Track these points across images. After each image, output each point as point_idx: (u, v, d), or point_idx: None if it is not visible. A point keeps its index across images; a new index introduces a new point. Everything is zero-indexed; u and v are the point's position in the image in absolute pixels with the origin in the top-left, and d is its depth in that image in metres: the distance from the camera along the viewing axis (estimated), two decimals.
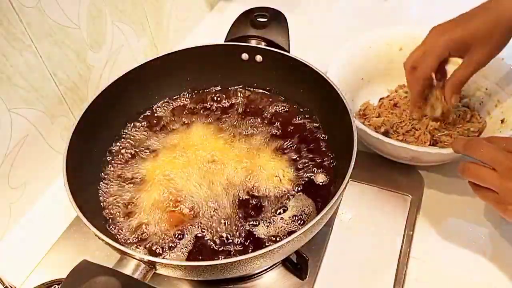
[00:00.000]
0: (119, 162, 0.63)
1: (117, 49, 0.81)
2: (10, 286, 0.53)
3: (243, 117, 0.69)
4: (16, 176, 0.66)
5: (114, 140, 0.65)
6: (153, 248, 0.53)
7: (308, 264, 0.58)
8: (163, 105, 0.71)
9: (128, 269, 0.43)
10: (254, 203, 0.57)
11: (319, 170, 0.61)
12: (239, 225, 0.55)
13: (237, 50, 0.70)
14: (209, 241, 0.53)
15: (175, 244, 0.53)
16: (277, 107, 0.70)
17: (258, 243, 0.53)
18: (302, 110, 0.69)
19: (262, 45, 0.69)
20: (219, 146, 0.64)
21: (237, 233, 0.54)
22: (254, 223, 0.55)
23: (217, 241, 0.53)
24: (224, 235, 0.54)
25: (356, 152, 0.52)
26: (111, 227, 0.56)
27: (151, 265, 0.44)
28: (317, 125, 0.67)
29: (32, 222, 0.70)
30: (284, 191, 0.58)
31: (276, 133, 0.66)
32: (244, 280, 0.60)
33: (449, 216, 0.67)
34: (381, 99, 0.79)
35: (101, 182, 0.60)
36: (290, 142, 0.64)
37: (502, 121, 0.69)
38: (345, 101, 0.58)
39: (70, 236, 0.66)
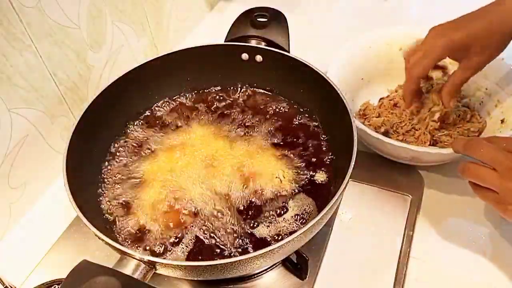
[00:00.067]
0: (119, 162, 0.63)
1: (117, 49, 0.81)
2: (10, 286, 0.53)
3: (243, 117, 0.69)
4: (16, 176, 0.66)
5: (114, 140, 0.65)
6: (153, 248, 0.53)
7: (308, 264, 0.58)
8: (163, 105, 0.71)
9: (128, 269, 0.43)
10: (255, 203, 0.57)
11: (319, 170, 0.61)
12: (239, 225, 0.55)
13: (237, 50, 0.70)
14: (209, 241, 0.53)
15: (175, 244, 0.53)
16: (277, 107, 0.70)
17: (258, 243, 0.53)
18: (302, 110, 0.69)
19: (262, 45, 0.69)
20: (219, 146, 0.64)
21: (237, 233, 0.54)
22: (255, 223, 0.55)
23: (217, 241, 0.53)
24: (224, 235, 0.54)
25: (356, 152, 0.52)
26: (111, 227, 0.56)
27: (151, 265, 0.44)
28: (317, 125, 0.67)
29: (32, 222, 0.70)
30: (285, 192, 0.58)
31: (276, 133, 0.66)
32: (244, 280, 0.60)
33: (449, 216, 0.67)
34: (381, 99, 0.79)
35: (101, 182, 0.60)
36: (290, 142, 0.64)
37: (502, 121, 0.69)
38: (345, 101, 0.58)
39: (70, 236, 0.66)
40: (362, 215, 0.67)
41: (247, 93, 0.72)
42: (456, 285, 0.59)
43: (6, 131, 0.63)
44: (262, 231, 0.54)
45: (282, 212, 0.56)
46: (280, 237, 0.54)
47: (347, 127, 0.55)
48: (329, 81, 0.61)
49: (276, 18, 0.72)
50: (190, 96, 0.73)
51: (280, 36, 0.71)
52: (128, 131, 0.67)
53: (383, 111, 0.75)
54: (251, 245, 0.53)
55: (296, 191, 0.58)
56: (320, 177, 0.60)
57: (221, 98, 0.72)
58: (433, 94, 0.71)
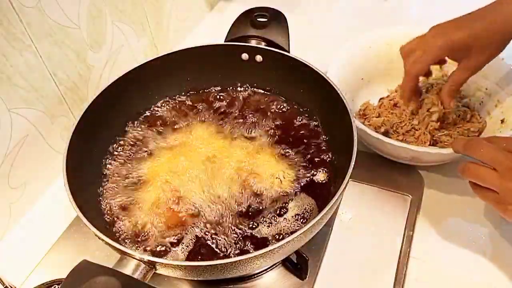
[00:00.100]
0: (119, 162, 0.63)
1: (117, 49, 0.81)
2: (10, 286, 0.53)
3: (243, 117, 0.69)
4: (16, 176, 0.66)
5: (114, 140, 0.65)
6: (153, 248, 0.53)
7: (308, 264, 0.58)
8: (163, 105, 0.71)
9: (128, 269, 0.43)
10: (255, 203, 0.57)
11: (319, 170, 0.61)
12: (240, 225, 0.55)
13: (237, 50, 0.70)
14: (209, 241, 0.53)
15: (175, 244, 0.53)
16: (277, 107, 0.70)
17: (258, 243, 0.53)
18: (302, 110, 0.69)
19: (262, 45, 0.69)
20: (219, 146, 0.64)
21: (237, 233, 0.54)
22: (255, 223, 0.55)
23: (217, 241, 0.53)
24: (224, 235, 0.54)
25: (356, 152, 0.52)
26: (111, 227, 0.56)
27: (151, 265, 0.44)
28: (317, 125, 0.67)
29: (32, 222, 0.70)
30: (285, 192, 0.58)
31: (276, 133, 0.66)
32: (244, 280, 0.60)
33: (449, 216, 0.67)
34: (381, 99, 0.79)
35: (101, 182, 0.60)
36: (290, 143, 0.64)
37: (502, 121, 0.69)
38: (345, 101, 0.58)
39: (70, 236, 0.66)
40: (362, 215, 0.67)
41: (247, 93, 0.72)
42: (456, 285, 0.59)
43: (6, 131, 0.63)
44: (262, 231, 0.54)
45: (282, 212, 0.56)
46: (281, 237, 0.54)
47: (347, 127, 0.55)
48: (329, 81, 0.61)
49: (276, 18, 0.72)
50: (190, 96, 0.73)
51: (280, 36, 0.71)
52: (128, 131, 0.67)
53: (383, 111, 0.75)
54: (251, 245, 0.53)
55: (297, 191, 0.58)
56: (320, 177, 0.60)
57: (221, 98, 0.72)
58: (432, 95, 0.71)
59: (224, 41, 0.72)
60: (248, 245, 0.53)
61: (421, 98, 0.73)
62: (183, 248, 0.53)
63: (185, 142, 0.65)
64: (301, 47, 0.76)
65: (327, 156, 0.62)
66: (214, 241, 0.53)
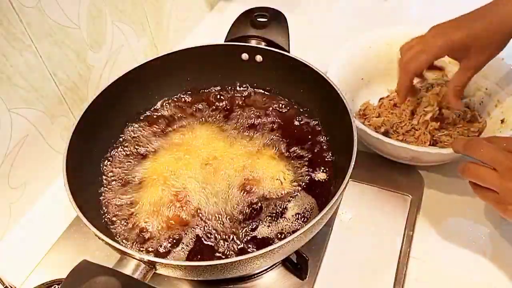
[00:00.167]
0: (119, 162, 0.63)
1: (117, 49, 0.81)
2: (10, 286, 0.53)
3: (243, 117, 0.69)
4: (16, 176, 0.66)
5: (114, 140, 0.65)
6: (153, 248, 0.53)
7: (308, 264, 0.58)
8: (163, 105, 0.71)
9: (128, 269, 0.43)
10: (255, 203, 0.57)
11: (320, 170, 0.61)
12: (240, 225, 0.55)
13: (237, 50, 0.70)
14: (209, 241, 0.53)
15: (175, 244, 0.53)
16: (277, 107, 0.70)
17: (259, 243, 0.53)
18: (302, 110, 0.69)
19: (262, 45, 0.69)
20: (219, 146, 0.64)
21: (237, 234, 0.54)
22: (255, 223, 0.55)
23: (217, 241, 0.53)
24: (224, 235, 0.54)
25: (356, 152, 0.52)
26: (111, 227, 0.56)
27: (151, 265, 0.44)
28: (317, 125, 0.67)
29: (32, 222, 0.70)
30: (285, 192, 0.58)
31: (276, 133, 0.66)
32: (244, 280, 0.60)
33: (449, 216, 0.67)
34: (381, 99, 0.79)
35: (101, 182, 0.60)
36: (290, 143, 0.64)
37: (502, 121, 0.69)
38: (345, 101, 0.58)
39: (70, 236, 0.66)
40: (362, 215, 0.67)
41: (247, 93, 0.72)
42: (456, 285, 0.59)
43: (6, 131, 0.63)
44: (262, 231, 0.54)
45: (282, 211, 0.56)
46: (282, 236, 0.54)
47: (347, 127, 0.55)
48: (329, 81, 0.61)
49: (276, 18, 0.72)
50: (190, 96, 0.72)
51: (280, 36, 0.71)
52: (128, 131, 0.67)
53: (383, 111, 0.75)
54: (251, 245, 0.53)
55: (297, 191, 0.58)
56: (321, 177, 0.60)
57: (221, 98, 0.72)
58: (430, 95, 0.71)
59: (224, 41, 0.72)
60: (248, 245, 0.53)
61: (419, 98, 0.73)
62: (183, 248, 0.53)
63: (185, 142, 0.65)
64: (301, 47, 0.76)
65: (327, 156, 0.62)
66: (214, 241, 0.53)
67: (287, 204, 0.57)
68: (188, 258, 0.52)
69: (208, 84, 0.73)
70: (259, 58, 0.69)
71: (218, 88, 0.73)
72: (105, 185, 0.60)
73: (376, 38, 0.81)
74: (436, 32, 0.64)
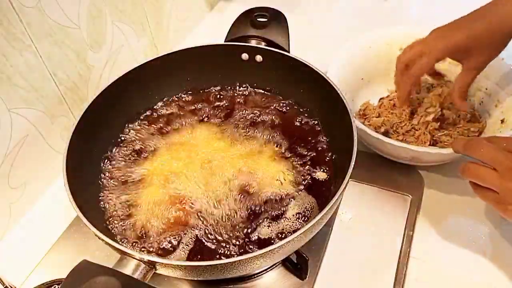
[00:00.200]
0: (119, 162, 0.63)
1: (117, 49, 0.81)
2: (10, 286, 0.53)
3: (243, 117, 0.69)
4: (16, 176, 0.66)
5: (114, 140, 0.65)
6: (153, 248, 0.53)
7: (308, 264, 0.58)
8: (163, 105, 0.71)
9: (128, 269, 0.43)
10: (255, 203, 0.57)
11: (320, 170, 0.61)
12: (240, 225, 0.55)
13: (237, 50, 0.70)
14: (209, 241, 0.53)
15: (175, 244, 0.53)
16: (277, 107, 0.70)
17: (259, 243, 0.53)
18: (302, 110, 0.69)
19: (262, 45, 0.69)
20: (219, 146, 0.64)
21: (238, 234, 0.54)
22: (255, 223, 0.55)
23: (217, 241, 0.53)
24: (224, 235, 0.54)
25: (356, 152, 0.52)
26: (111, 227, 0.56)
27: (151, 265, 0.44)
28: (317, 125, 0.67)
29: (32, 222, 0.70)
30: (285, 192, 0.58)
31: (276, 133, 0.66)
32: (244, 280, 0.60)
33: (449, 216, 0.67)
34: (381, 99, 0.79)
35: (101, 182, 0.60)
36: (290, 143, 0.64)
37: (502, 121, 0.69)
38: (345, 101, 0.58)
39: (70, 236, 0.66)
40: (362, 215, 0.67)
41: (247, 93, 0.72)
42: (456, 285, 0.59)
43: (6, 131, 0.63)
44: (263, 230, 0.54)
45: (283, 212, 0.56)
46: (282, 236, 0.54)
47: (347, 127, 0.55)
48: (329, 81, 0.61)
49: (276, 18, 0.72)
50: (190, 96, 0.72)
51: (280, 36, 0.71)
52: (128, 131, 0.67)
53: (383, 111, 0.75)
54: (251, 245, 0.53)
55: (297, 191, 0.58)
56: (321, 177, 0.60)
57: (221, 98, 0.72)
58: (432, 96, 0.71)
59: (224, 41, 0.72)
60: (248, 245, 0.53)
61: (421, 98, 0.73)
62: (183, 248, 0.53)
63: (185, 142, 0.65)
64: (301, 47, 0.76)
65: (327, 156, 0.62)
66: (214, 241, 0.53)
67: (287, 204, 0.57)
68: (188, 258, 0.52)
69: (208, 84, 0.73)
70: (259, 58, 0.69)
71: (218, 88, 0.73)
72: (105, 185, 0.60)
73: (376, 38, 0.81)
74: (437, 35, 0.65)
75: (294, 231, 0.46)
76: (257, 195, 0.58)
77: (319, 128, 0.66)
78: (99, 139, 0.63)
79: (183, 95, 0.72)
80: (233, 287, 0.60)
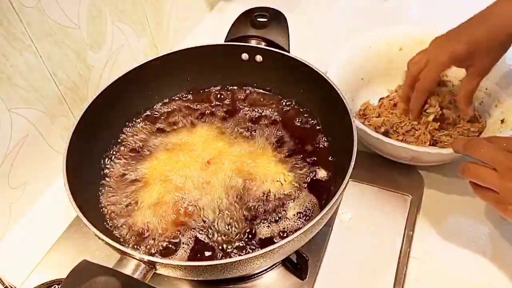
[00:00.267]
0: (119, 162, 0.63)
1: (117, 49, 0.81)
2: (10, 286, 0.53)
3: (243, 117, 0.69)
4: (16, 176, 0.66)
5: (114, 140, 0.65)
6: (154, 248, 0.53)
7: (308, 264, 0.58)
8: (163, 105, 0.71)
9: (128, 269, 0.43)
10: (255, 204, 0.57)
11: (320, 170, 0.61)
12: (240, 225, 0.55)
13: (237, 50, 0.70)
14: (209, 241, 0.53)
15: (175, 244, 0.53)
16: (277, 107, 0.70)
17: (259, 243, 0.53)
18: (302, 110, 0.69)
19: (262, 45, 0.69)
20: (219, 146, 0.64)
21: (238, 234, 0.54)
22: (255, 223, 0.55)
23: (217, 241, 0.53)
24: (224, 235, 0.54)
25: (356, 152, 0.52)
26: (111, 227, 0.56)
27: (151, 265, 0.44)
28: (317, 125, 0.67)
29: (32, 222, 0.70)
30: (286, 192, 0.58)
31: (276, 133, 0.66)
32: (244, 280, 0.60)
33: (449, 216, 0.67)
34: (381, 99, 0.79)
35: (101, 182, 0.60)
36: (290, 143, 0.64)
37: (502, 121, 0.69)
38: (345, 101, 0.58)
39: (70, 236, 0.66)
40: (362, 215, 0.67)
41: (247, 93, 0.72)
42: (456, 285, 0.59)
43: (6, 131, 0.63)
44: (263, 230, 0.54)
45: (283, 211, 0.56)
46: (283, 235, 0.54)
47: (347, 127, 0.55)
48: (329, 81, 0.61)
49: (276, 18, 0.72)
50: (190, 96, 0.73)
51: (280, 36, 0.71)
52: (128, 131, 0.67)
53: (383, 111, 0.75)
54: (251, 245, 0.53)
55: (297, 191, 0.58)
56: (321, 177, 0.60)
57: (221, 98, 0.72)
58: (432, 97, 0.71)
59: (224, 41, 0.72)
60: (249, 245, 0.53)
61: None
62: (183, 248, 0.53)
63: (185, 142, 0.65)
64: (301, 47, 0.76)
65: (327, 156, 0.62)
66: (214, 241, 0.53)
67: (287, 204, 0.57)
68: (188, 258, 0.52)
69: (208, 84, 0.73)
70: (259, 58, 0.69)
71: (218, 88, 0.73)
72: (105, 185, 0.60)
73: (376, 38, 0.81)
74: (439, 44, 0.65)
75: (295, 231, 0.46)
76: (257, 195, 0.58)
77: (319, 128, 0.66)
78: (99, 139, 0.63)
79: (183, 95, 0.72)
80: (233, 287, 0.60)
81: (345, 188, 0.49)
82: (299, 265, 0.59)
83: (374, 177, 0.71)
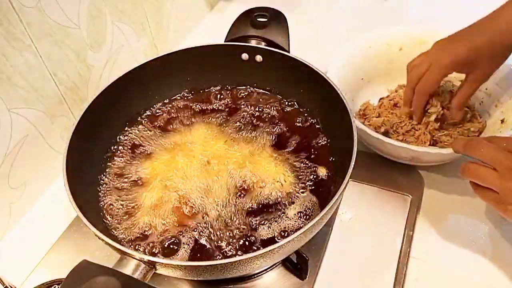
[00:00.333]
0: (119, 162, 0.63)
1: (117, 49, 0.81)
2: (10, 286, 0.53)
3: (243, 117, 0.69)
4: (16, 176, 0.66)
5: (114, 140, 0.65)
6: (153, 248, 0.53)
7: (308, 264, 0.58)
8: (163, 105, 0.71)
9: (128, 269, 0.43)
10: (256, 204, 0.57)
11: (319, 170, 0.60)
12: (240, 225, 0.55)
13: (237, 50, 0.70)
14: (209, 241, 0.53)
15: (175, 244, 0.53)
16: (277, 107, 0.70)
17: (259, 243, 0.53)
18: (302, 110, 0.69)
19: (262, 45, 0.69)
20: (219, 147, 0.64)
21: (238, 234, 0.54)
22: (255, 223, 0.55)
23: (218, 241, 0.53)
24: (224, 235, 0.54)
25: (356, 152, 0.52)
26: (111, 227, 0.56)
27: (151, 265, 0.44)
28: (317, 125, 0.67)
29: (32, 222, 0.70)
30: (286, 192, 0.58)
31: (276, 133, 0.66)
32: (244, 280, 0.60)
33: (449, 216, 0.67)
34: (381, 99, 0.79)
35: (101, 182, 0.60)
36: (290, 143, 0.64)
37: (502, 121, 0.69)
38: (345, 101, 0.57)
39: (70, 236, 0.66)
40: (362, 215, 0.67)
41: (247, 93, 0.72)
42: (456, 285, 0.59)
43: (6, 131, 0.63)
44: (263, 230, 0.54)
45: (283, 211, 0.56)
46: (284, 235, 0.54)
47: (347, 127, 0.55)
48: (329, 81, 0.61)
49: (276, 18, 0.72)
50: (190, 96, 0.73)
51: (280, 36, 0.71)
52: (128, 131, 0.67)
53: (383, 111, 0.75)
54: (251, 245, 0.53)
55: (297, 191, 0.58)
56: (321, 177, 0.60)
57: (221, 98, 0.72)
58: (433, 98, 0.71)
59: (224, 41, 0.72)
60: (249, 245, 0.53)
61: None
62: (183, 248, 0.53)
63: (185, 142, 0.65)
64: (301, 47, 0.76)
65: (327, 156, 0.62)
66: (214, 241, 0.53)
67: (288, 204, 0.57)
68: (188, 258, 0.52)
69: (208, 84, 0.73)
70: (259, 58, 0.69)
71: (218, 88, 0.73)
72: (105, 185, 0.60)
73: (376, 38, 0.81)
74: (442, 47, 0.65)
75: (296, 230, 0.46)
76: (257, 195, 0.58)
77: (319, 128, 0.66)
78: (99, 139, 0.63)
79: (183, 95, 0.72)
80: (233, 287, 0.60)
81: (345, 188, 0.49)
82: (299, 265, 0.59)
83: (374, 177, 0.71)
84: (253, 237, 0.54)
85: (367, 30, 0.81)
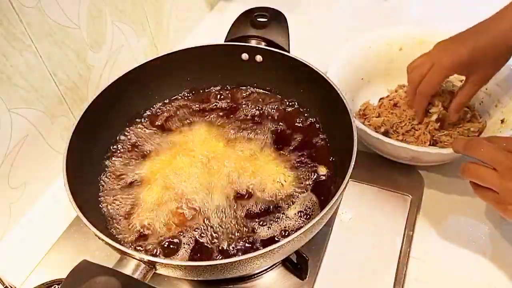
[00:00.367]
0: (119, 162, 0.63)
1: (117, 49, 0.81)
2: (10, 286, 0.53)
3: (243, 117, 0.69)
4: (16, 176, 0.66)
5: (114, 140, 0.65)
6: (154, 248, 0.53)
7: (308, 264, 0.58)
8: (163, 105, 0.71)
9: (128, 269, 0.43)
10: (256, 203, 0.57)
11: (320, 170, 0.60)
12: (240, 225, 0.55)
13: (237, 50, 0.70)
14: (209, 241, 0.53)
15: (175, 244, 0.53)
16: (277, 107, 0.70)
17: (260, 243, 0.53)
18: (302, 110, 0.69)
19: (262, 45, 0.69)
20: (219, 147, 0.64)
21: (238, 234, 0.54)
22: (255, 223, 0.55)
23: (218, 241, 0.53)
24: (224, 235, 0.54)
25: (356, 152, 0.52)
26: (111, 226, 0.56)
27: (151, 265, 0.44)
28: (317, 125, 0.67)
29: (32, 222, 0.70)
30: (286, 192, 0.58)
31: (276, 133, 0.66)
32: (244, 280, 0.60)
33: (449, 216, 0.67)
34: (381, 99, 0.79)
35: (101, 182, 0.60)
36: (290, 143, 0.64)
37: (502, 121, 0.69)
38: (345, 101, 0.58)
39: (70, 236, 0.66)
40: (362, 215, 0.67)
41: (247, 93, 0.72)
42: (456, 285, 0.59)
43: (6, 131, 0.63)
44: (263, 231, 0.54)
45: (283, 212, 0.56)
46: (284, 234, 0.54)
47: (347, 127, 0.55)
48: (329, 81, 0.61)
49: (276, 18, 0.72)
50: (190, 96, 0.73)
51: (280, 36, 0.71)
52: (128, 131, 0.67)
53: (383, 111, 0.75)
54: (252, 245, 0.53)
55: (298, 191, 0.58)
56: (321, 177, 0.60)
57: (221, 98, 0.72)
58: (435, 98, 0.71)
59: (224, 41, 0.72)
60: (249, 244, 0.53)
61: None
62: (183, 248, 0.53)
63: (185, 142, 0.65)
64: (301, 47, 0.76)
65: (327, 156, 0.62)
66: (214, 241, 0.53)
67: (288, 204, 0.57)
68: (188, 258, 0.52)
69: (208, 84, 0.73)
70: (259, 58, 0.69)
71: (218, 88, 0.73)
72: (105, 185, 0.60)
73: (376, 38, 0.81)
74: (444, 48, 0.65)
75: (296, 230, 0.46)
76: (257, 195, 0.58)
77: (319, 128, 0.66)
78: (99, 139, 0.63)
79: (183, 95, 0.72)
80: (233, 287, 0.60)
81: (345, 188, 0.49)
82: (299, 265, 0.59)
83: (374, 177, 0.71)
84: (253, 237, 0.54)
85: (367, 30, 0.81)
